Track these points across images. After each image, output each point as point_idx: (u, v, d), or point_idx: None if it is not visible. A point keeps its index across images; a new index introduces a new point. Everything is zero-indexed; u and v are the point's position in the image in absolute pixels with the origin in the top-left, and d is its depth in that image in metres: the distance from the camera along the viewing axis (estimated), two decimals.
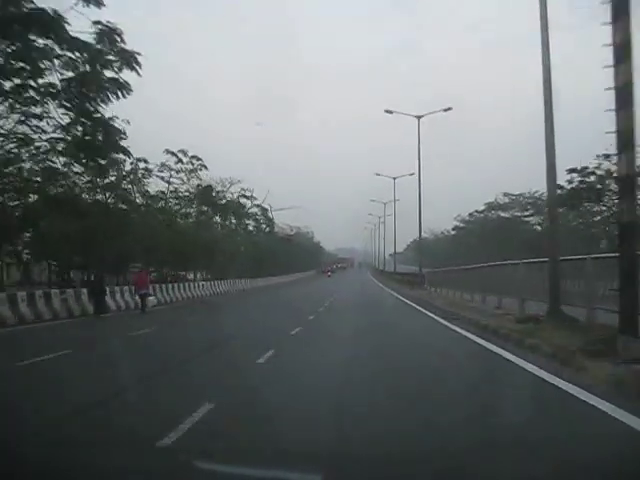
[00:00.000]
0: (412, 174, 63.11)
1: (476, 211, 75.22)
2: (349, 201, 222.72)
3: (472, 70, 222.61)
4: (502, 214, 70.70)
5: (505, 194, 69.74)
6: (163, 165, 37.22)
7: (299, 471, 3.07)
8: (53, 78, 21.26)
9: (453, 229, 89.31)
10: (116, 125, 23.50)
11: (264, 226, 68.60)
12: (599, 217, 44.13)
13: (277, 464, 3.36)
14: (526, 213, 68.49)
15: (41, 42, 20.43)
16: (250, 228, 65.62)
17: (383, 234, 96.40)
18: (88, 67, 21.73)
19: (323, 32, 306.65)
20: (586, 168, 38.62)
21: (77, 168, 25.39)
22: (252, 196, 60.77)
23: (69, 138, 22.69)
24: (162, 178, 38.29)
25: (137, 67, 22.76)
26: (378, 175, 61.58)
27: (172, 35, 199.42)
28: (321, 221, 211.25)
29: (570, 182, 47.78)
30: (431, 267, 77.64)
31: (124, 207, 33.39)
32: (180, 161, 38.78)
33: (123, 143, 24.49)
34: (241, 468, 3.24)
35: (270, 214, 77.49)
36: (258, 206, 65.26)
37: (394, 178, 61.69)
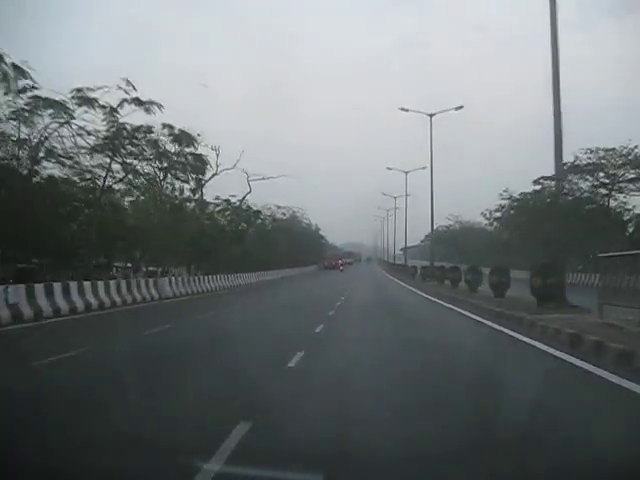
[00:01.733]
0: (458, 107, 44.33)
1: (543, 178, 51.75)
2: (357, 196, 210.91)
3: (478, 68, 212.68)
4: (583, 183, 47.81)
5: (590, 150, 46.44)
6: None
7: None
8: None
9: (497, 210, 65.91)
10: None
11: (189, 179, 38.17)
12: None
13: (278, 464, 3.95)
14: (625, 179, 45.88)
15: None
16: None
17: (406, 215, 74.42)
18: None
19: (327, 29, 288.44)
20: None
21: None
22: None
23: None
24: None
25: None
26: (406, 109, 39.77)
27: (172, 34, 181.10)
28: (329, 216, 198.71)
29: None
30: (457, 263, 54.91)
31: None
32: None
33: None
34: (242, 467, 3.87)
35: (248, 185, 54.93)
36: (175, 136, 33.06)
37: (431, 114, 40.24)
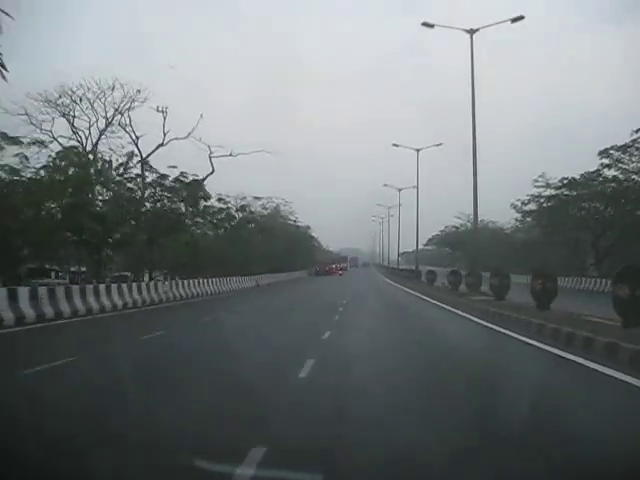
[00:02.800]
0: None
1: (614, 148, 37.89)
2: (355, 203, 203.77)
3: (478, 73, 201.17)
4: None
5: None
6: None
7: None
8: None
9: (527, 202, 52.04)
10: None
11: None
12: None
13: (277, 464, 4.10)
14: None
15: None
16: None
17: (417, 207, 62.03)
18: None
19: (326, 33, 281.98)
20: None
21: None
22: None
23: None
24: None
25: None
26: (431, 24, 25.69)
27: (171, 34, 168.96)
28: (326, 222, 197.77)
29: None
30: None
31: None
32: None
33: None
34: (242, 467, 3.91)
35: (210, 162, 41.90)
36: None
37: (472, 29, 25.90)
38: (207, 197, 33.85)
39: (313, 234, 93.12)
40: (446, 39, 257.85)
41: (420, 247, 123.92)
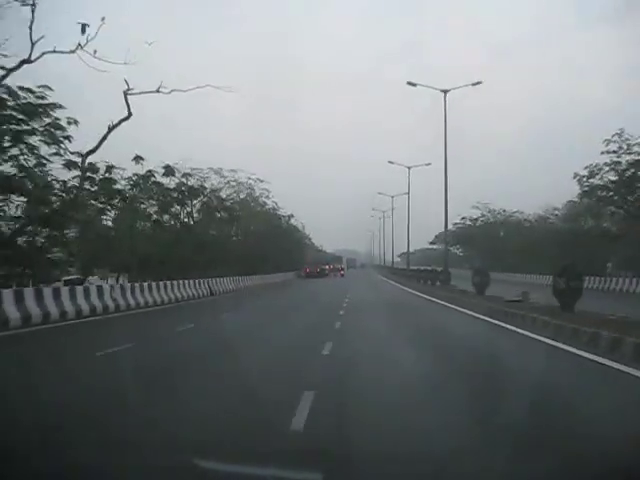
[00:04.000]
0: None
1: None
2: (352, 204, 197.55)
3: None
4: None
5: None
6: None
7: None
8: None
9: (596, 173, 36.51)
10: None
11: None
12: None
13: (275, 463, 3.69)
14: None
15: None
16: None
17: (446, 188, 46.98)
18: None
19: (326, 34, 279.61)
20: None
21: None
22: None
23: None
24: None
25: None
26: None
27: (169, 35, 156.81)
28: (322, 224, 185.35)
29: None
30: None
31: None
32: None
33: None
34: (241, 467, 3.54)
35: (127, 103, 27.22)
36: None
37: None
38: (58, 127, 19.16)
39: (305, 231, 77.76)
40: (446, 39, 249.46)
41: (424, 246, 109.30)
